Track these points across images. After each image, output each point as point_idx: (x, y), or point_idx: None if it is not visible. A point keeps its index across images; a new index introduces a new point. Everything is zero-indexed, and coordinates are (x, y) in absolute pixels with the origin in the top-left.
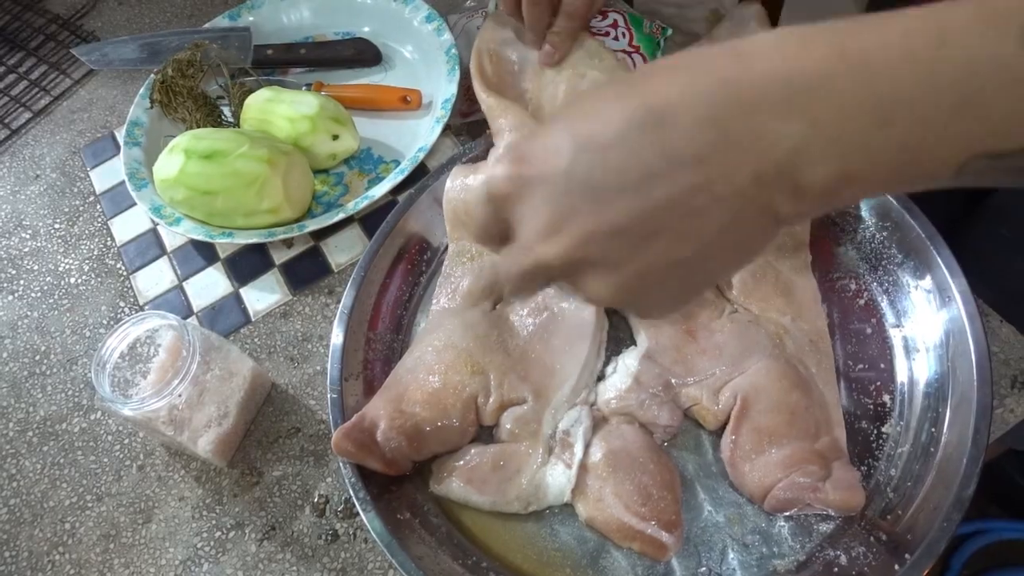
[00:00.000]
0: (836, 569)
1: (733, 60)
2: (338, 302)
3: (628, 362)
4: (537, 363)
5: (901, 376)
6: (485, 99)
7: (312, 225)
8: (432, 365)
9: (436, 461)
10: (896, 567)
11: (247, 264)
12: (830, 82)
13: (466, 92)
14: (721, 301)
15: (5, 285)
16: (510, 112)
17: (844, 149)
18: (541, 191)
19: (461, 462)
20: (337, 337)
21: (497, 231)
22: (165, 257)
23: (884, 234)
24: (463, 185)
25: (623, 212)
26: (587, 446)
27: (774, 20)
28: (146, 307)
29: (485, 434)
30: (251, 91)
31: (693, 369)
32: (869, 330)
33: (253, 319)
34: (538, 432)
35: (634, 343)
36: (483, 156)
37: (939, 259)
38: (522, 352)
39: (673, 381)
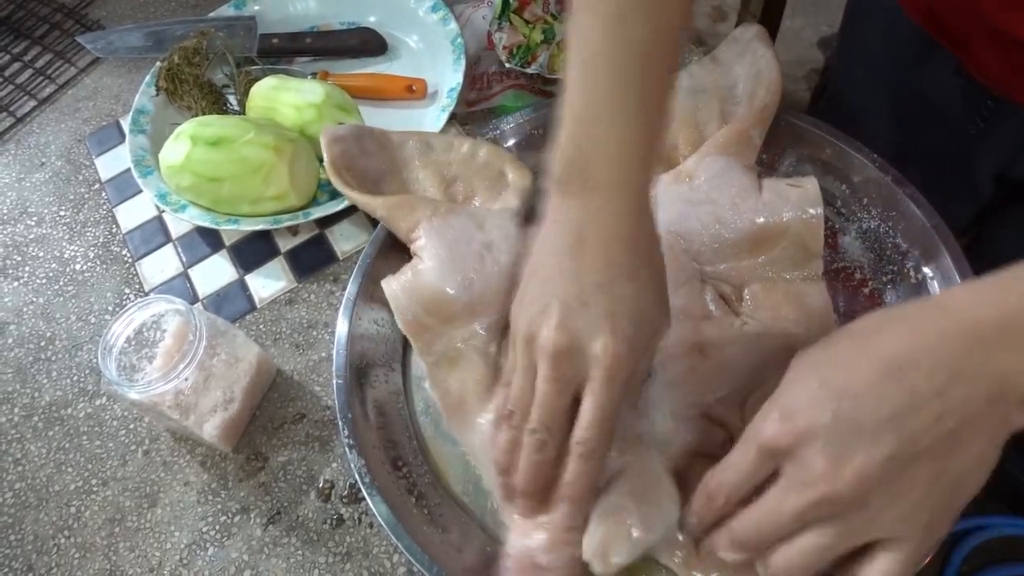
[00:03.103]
0: None
1: (941, 313)
2: (343, 289)
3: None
4: None
5: None
6: (376, 205)
7: (317, 213)
8: None
9: None
10: None
11: (252, 251)
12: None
13: (471, 81)
14: (730, 316)
15: (11, 271)
16: (419, 205)
17: None
18: (817, 440)
19: None
20: (342, 324)
21: (762, 476)
22: (170, 244)
23: (889, 224)
24: (405, 290)
25: (889, 442)
26: None
27: (773, 31)
28: (151, 294)
29: None
30: (256, 80)
31: (711, 387)
32: None
33: (258, 306)
34: None
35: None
36: (397, 244)
37: (943, 248)
38: None
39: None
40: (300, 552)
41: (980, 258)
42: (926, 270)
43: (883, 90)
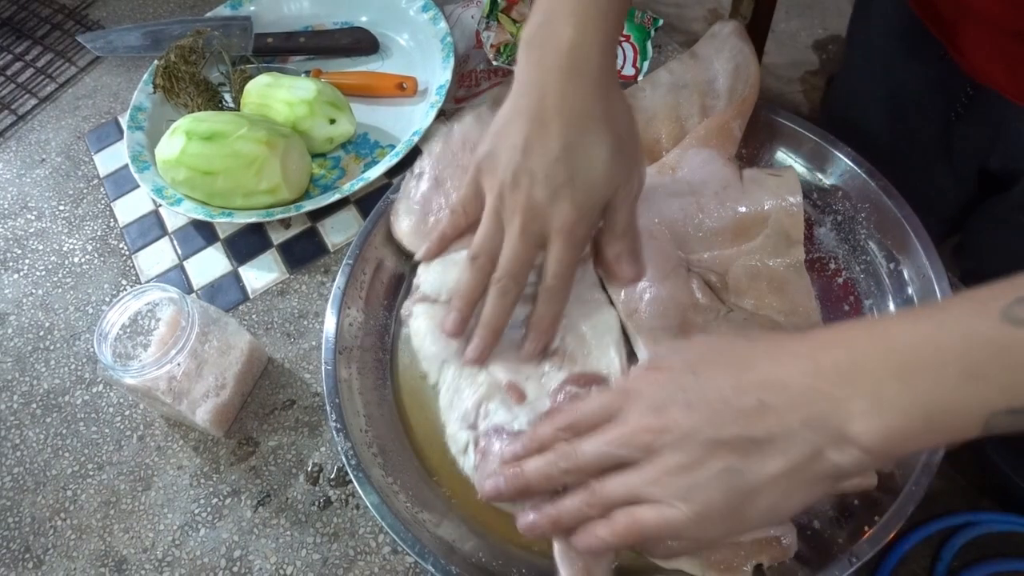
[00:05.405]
0: (809, 532)
1: (803, 340)
2: (333, 280)
3: None
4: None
5: None
6: None
7: (309, 206)
8: None
9: None
10: (866, 528)
11: (246, 244)
12: (864, 360)
13: (460, 79)
14: (716, 303)
15: (11, 264)
16: None
17: (877, 406)
18: (658, 393)
19: None
20: (332, 314)
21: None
22: (166, 237)
23: (863, 215)
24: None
25: (699, 417)
26: None
27: (763, 33)
28: None
29: None
30: (251, 78)
31: None
32: (847, 307)
33: (251, 296)
34: None
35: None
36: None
37: (915, 239)
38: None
39: None
40: (289, 533)
41: (968, 254)
42: (897, 260)
43: (882, 87)
